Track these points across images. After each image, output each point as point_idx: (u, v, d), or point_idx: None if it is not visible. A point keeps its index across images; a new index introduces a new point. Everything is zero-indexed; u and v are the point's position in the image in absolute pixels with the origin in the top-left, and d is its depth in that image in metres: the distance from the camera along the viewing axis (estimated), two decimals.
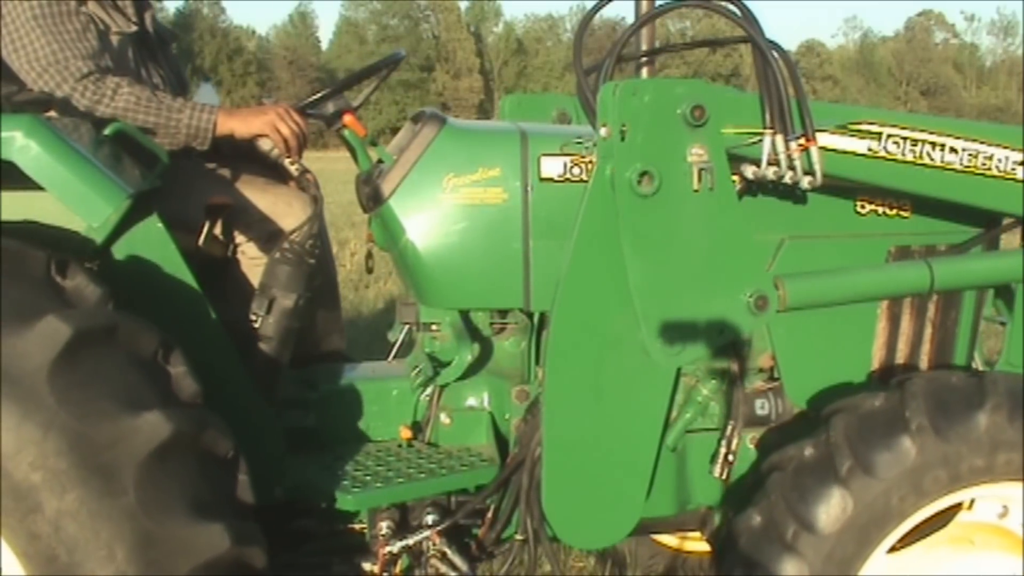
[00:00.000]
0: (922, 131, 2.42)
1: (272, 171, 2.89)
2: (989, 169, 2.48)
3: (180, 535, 1.95)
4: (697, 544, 3.53)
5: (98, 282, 2.10)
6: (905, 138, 2.41)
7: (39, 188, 2.17)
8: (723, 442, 2.60)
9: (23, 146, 2.13)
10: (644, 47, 2.74)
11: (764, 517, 2.29)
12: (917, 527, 2.31)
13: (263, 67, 75.44)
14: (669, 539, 3.57)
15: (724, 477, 2.60)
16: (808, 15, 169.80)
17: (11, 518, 1.89)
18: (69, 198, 2.19)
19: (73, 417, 1.89)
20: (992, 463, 2.24)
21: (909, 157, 2.42)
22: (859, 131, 2.38)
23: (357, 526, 2.68)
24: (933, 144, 2.43)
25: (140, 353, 2.06)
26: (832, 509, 2.21)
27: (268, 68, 75.69)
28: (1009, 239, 2.84)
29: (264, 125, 2.75)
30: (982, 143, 2.47)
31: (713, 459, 2.62)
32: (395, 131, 3.65)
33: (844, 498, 2.21)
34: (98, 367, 1.96)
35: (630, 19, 2.67)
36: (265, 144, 2.78)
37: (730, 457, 2.59)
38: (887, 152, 2.40)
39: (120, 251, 2.35)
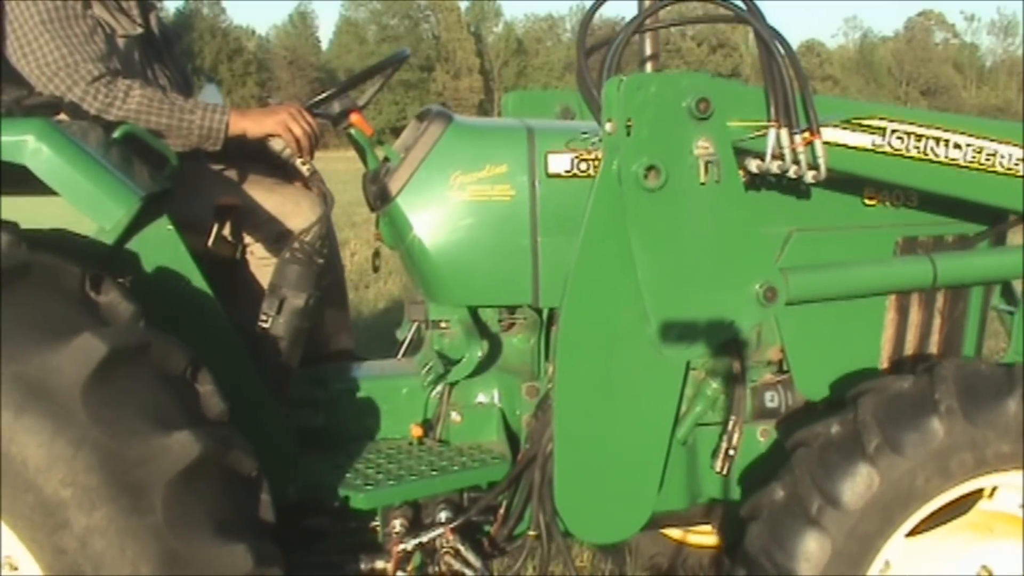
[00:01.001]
0: (926, 127, 2.43)
1: (279, 171, 2.90)
2: (993, 165, 2.48)
3: (204, 555, 1.95)
4: (701, 537, 3.54)
5: (130, 299, 2.10)
6: (909, 133, 2.41)
7: (50, 192, 2.18)
8: (724, 436, 2.60)
9: (35, 150, 2.14)
10: (648, 42, 2.75)
11: (788, 492, 2.29)
12: (935, 514, 2.31)
13: (263, 67, 75.28)
14: (673, 532, 3.57)
15: (725, 472, 2.60)
16: (808, 15, 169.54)
17: (39, 532, 1.89)
18: (80, 201, 2.20)
19: (105, 434, 1.89)
20: (1018, 450, 2.25)
21: (913, 153, 2.42)
22: (863, 126, 2.38)
23: (370, 524, 2.68)
24: (937, 140, 2.43)
25: (171, 371, 2.07)
26: (858, 485, 2.21)
27: (268, 68, 75.55)
28: (1012, 237, 2.84)
29: (276, 125, 2.74)
30: (986, 139, 2.47)
31: (715, 453, 2.62)
32: (395, 131, 3.66)
33: (870, 475, 2.21)
34: (130, 385, 1.96)
35: (630, 18, 2.67)
36: (277, 144, 2.78)
37: (731, 452, 2.59)
38: (891, 147, 2.40)
39: (131, 253, 2.36)
